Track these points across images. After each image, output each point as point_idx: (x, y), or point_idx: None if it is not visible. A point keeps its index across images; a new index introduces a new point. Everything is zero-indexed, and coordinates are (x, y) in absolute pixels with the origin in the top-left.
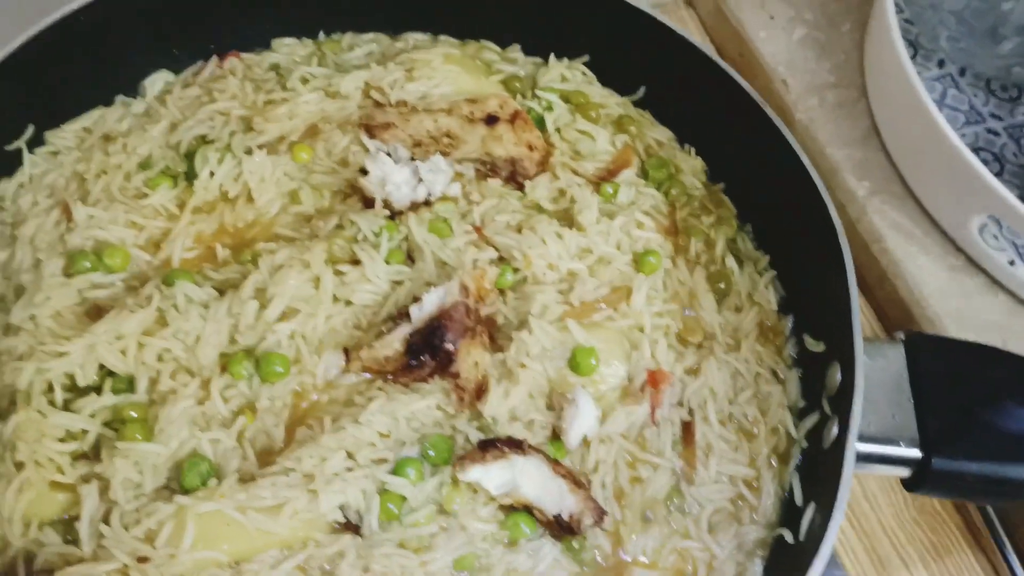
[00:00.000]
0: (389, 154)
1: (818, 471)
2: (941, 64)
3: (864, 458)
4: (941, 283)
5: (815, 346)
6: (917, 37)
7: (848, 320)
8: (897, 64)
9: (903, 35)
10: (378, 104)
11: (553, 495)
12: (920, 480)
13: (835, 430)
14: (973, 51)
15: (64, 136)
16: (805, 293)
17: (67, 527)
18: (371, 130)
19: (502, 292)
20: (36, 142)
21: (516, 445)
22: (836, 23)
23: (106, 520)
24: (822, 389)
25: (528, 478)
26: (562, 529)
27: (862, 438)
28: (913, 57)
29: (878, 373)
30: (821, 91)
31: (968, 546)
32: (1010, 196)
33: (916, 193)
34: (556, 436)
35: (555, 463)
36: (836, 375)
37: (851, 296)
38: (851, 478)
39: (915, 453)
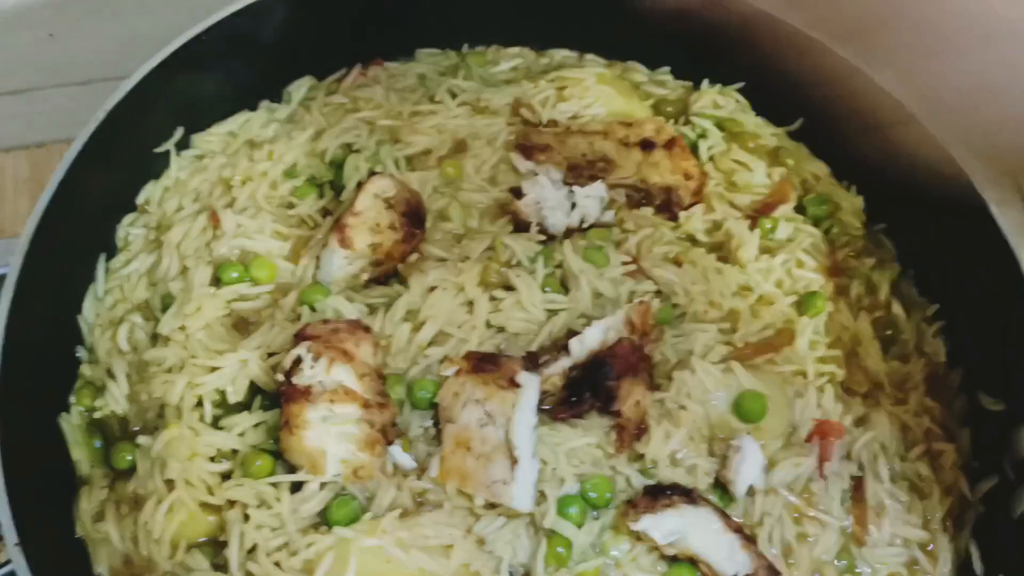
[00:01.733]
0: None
1: (1007, 540)
2: None
3: None
4: None
5: (993, 405)
6: None
7: None
8: None
9: None
10: (527, 122)
11: (724, 550)
12: None
13: None
14: None
15: (210, 140)
16: (976, 346)
17: (215, 551)
18: (527, 150)
19: (661, 328)
20: (182, 145)
21: (687, 494)
22: None
23: (252, 552)
24: (1001, 451)
25: (698, 530)
26: None
27: None
28: None
29: None
30: None
31: None
32: None
33: None
34: (719, 484)
35: (726, 516)
36: None
37: None
38: None
39: None
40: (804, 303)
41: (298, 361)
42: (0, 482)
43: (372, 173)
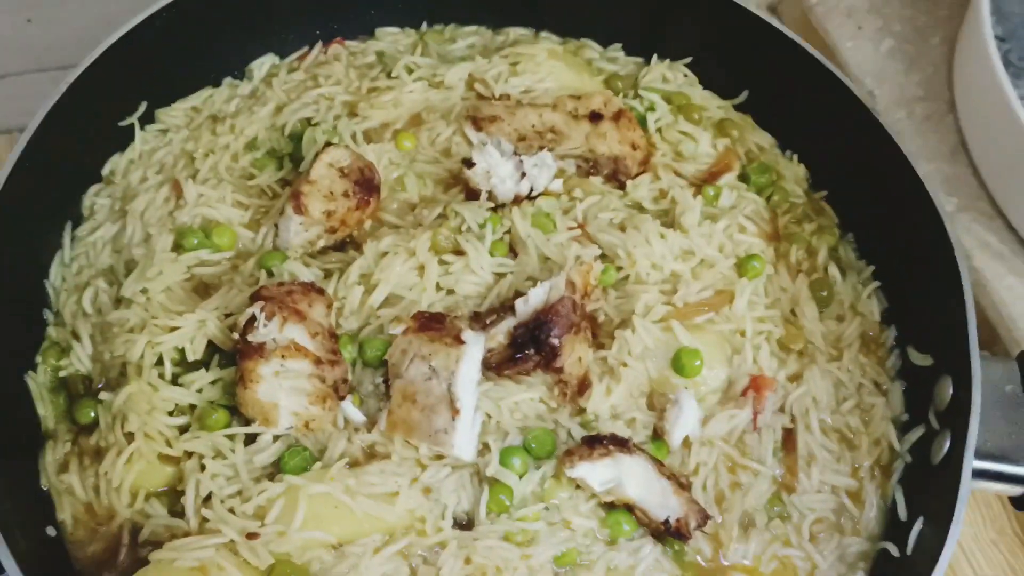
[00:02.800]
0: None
1: (926, 486)
2: None
3: (978, 474)
4: None
5: (921, 360)
6: (1007, 54)
7: (963, 334)
8: (991, 79)
9: None
10: (481, 96)
11: (657, 496)
12: None
13: (947, 445)
14: None
15: (174, 115)
16: (909, 305)
17: (172, 499)
18: (477, 122)
19: (604, 290)
20: (146, 119)
21: (622, 443)
22: (925, 36)
23: (208, 500)
24: (928, 403)
25: (632, 477)
26: (670, 534)
27: (977, 455)
28: None
29: (991, 390)
30: (909, 104)
31: None
32: None
33: (1005, 211)
34: (656, 436)
35: (659, 464)
36: (947, 389)
37: (968, 310)
38: (968, 494)
39: None
40: (742, 265)
41: (252, 320)
42: None
43: (328, 144)
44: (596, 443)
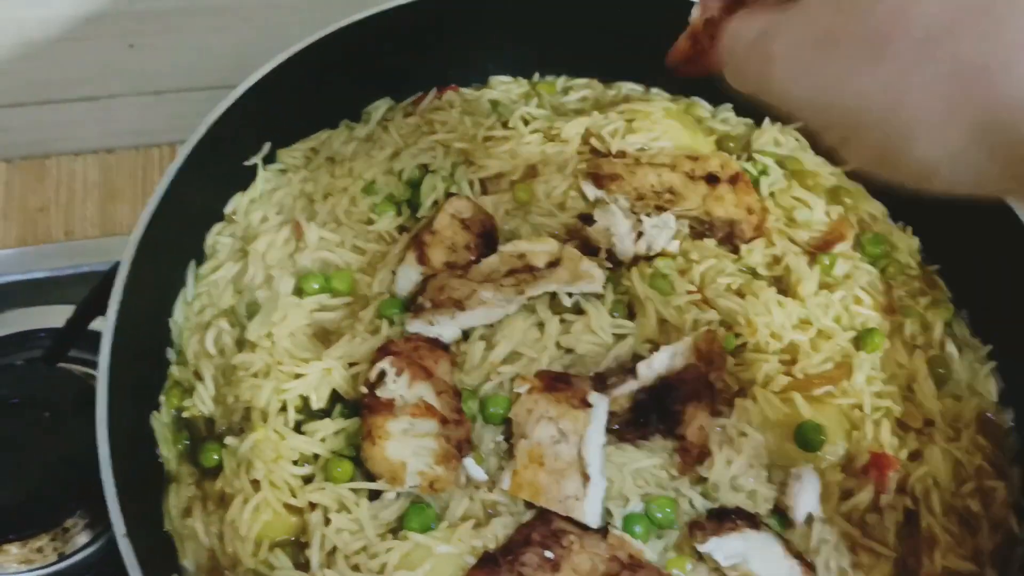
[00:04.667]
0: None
1: None
2: None
3: None
4: None
5: None
6: None
7: None
8: None
9: None
10: (596, 151)
11: (784, 574)
12: None
13: None
14: None
15: (294, 155)
16: None
17: (295, 551)
18: (598, 179)
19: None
20: (268, 159)
21: (750, 518)
22: None
23: (331, 554)
24: None
25: (760, 554)
26: None
27: None
28: None
29: None
30: None
31: None
32: None
33: None
34: (778, 510)
35: (786, 542)
36: None
37: None
38: None
39: None
40: (863, 339)
41: (381, 375)
42: (109, 477)
43: (449, 194)
44: (725, 517)
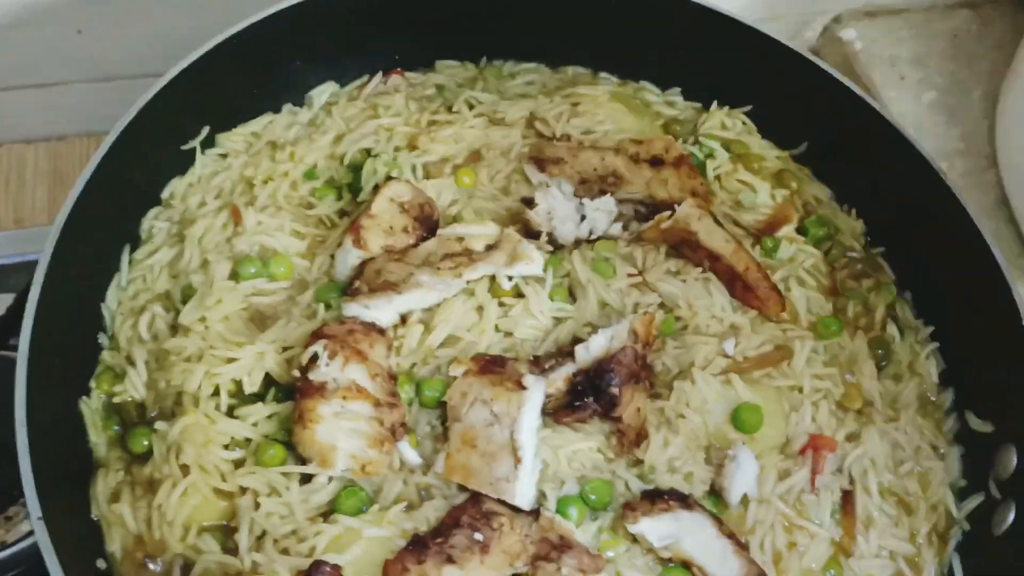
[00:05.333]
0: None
1: (988, 557)
2: None
3: None
4: None
5: (981, 426)
6: None
7: None
8: None
9: None
10: (541, 135)
11: (716, 555)
12: None
13: (1011, 516)
14: None
15: (234, 139)
16: (968, 367)
17: (225, 535)
18: (540, 163)
19: (663, 340)
20: (207, 143)
21: (683, 499)
22: (967, 90)
23: (261, 538)
24: (988, 470)
25: (692, 535)
26: None
27: None
28: None
29: None
30: (950, 157)
31: None
32: None
33: None
34: (713, 492)
35: (719, 522)
36: (1011, 458)
37: None
38: None
39: None
40: (820, 326)
41: (314, 358)
42: (26, 459)
43: (389, 178)
44: (657, 498)
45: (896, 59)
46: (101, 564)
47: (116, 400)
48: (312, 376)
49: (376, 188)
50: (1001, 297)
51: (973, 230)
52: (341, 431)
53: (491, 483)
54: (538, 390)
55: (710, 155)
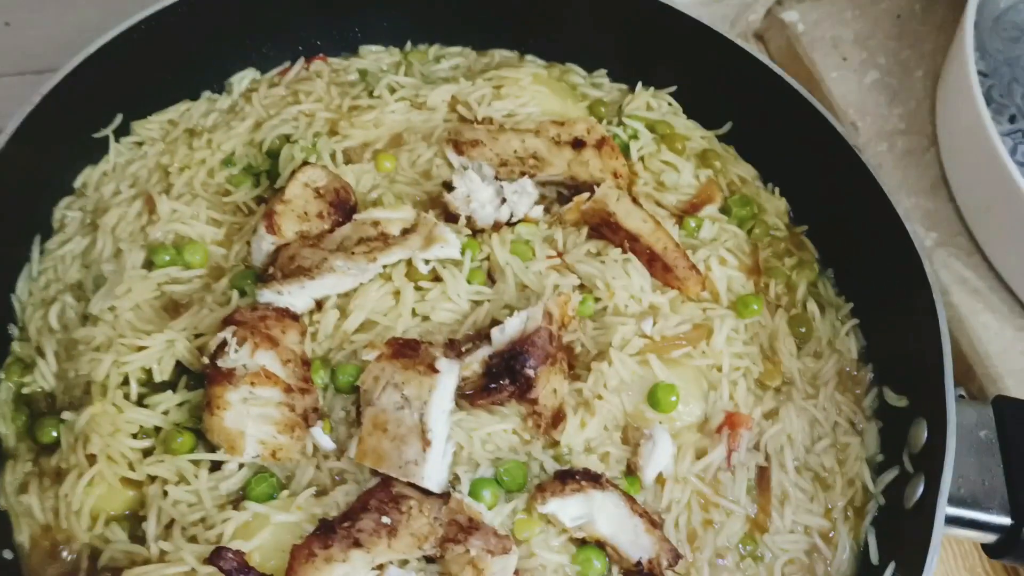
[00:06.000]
0: (475, 172)
1: (899, 530)
2: (1013, 119)
3: (951, 521)
4: (1005, 342)
5: (897, 401)
6: (989, 90)
7: (939, 378)
8: (973, 115)
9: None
10: (464, 119)
11: (628, 534)
12: (1006, 548)
13: (920, 489)
14: None
15: (150, 127)
16: (887, 344)
17: (134, 524)
18: (459, 146)
19: (581, 321)
20: (122, 131)
21: (595, 479)
22: (909, 69)
23: (170, 527)
24: (903, 445)
25: (604, 514)
26: (642, 574)
27: (950, 501)
28: None
29: (965, 434)
30: (891, 137)
31: None
32: None
33: (984, 248)
34: (630, 471)
35: (632, 501)
36: (922, 432)
37: (944, 354)
38: (940, 541)
39: (1005, 520)
40: (739, 305)
41: (223, 344)
42: None
43: (305, 163)
44: (568, 478)
45: (839, 40)
46: (8, 555)
47: (25, 391)
48: (220, 363)
49: (292, 174)
50: (916, 274)
51: (888, 207)
52: (250, 417)
53: (400, 466)
54: (451, 373)
55: (634, 136)
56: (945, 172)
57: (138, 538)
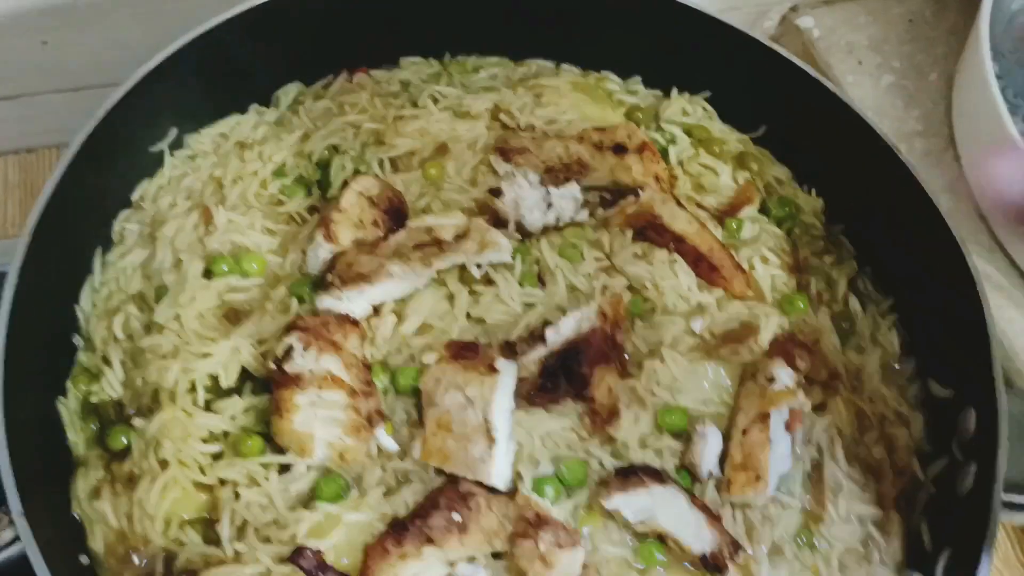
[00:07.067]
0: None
1: (952, 518)
2: None
3: (1005, 506)
4: None
5: (943, 392)
6: (1003, 91)
7: (987, 366)
8: (992, 116)
9: None
10: (506, 127)
11: (691, 527)
12: None
13: (971, 476)
14: None
15: (202, 141)
16: (928, 337)
17: (207, 528)
18: (506, 153)
19: (632, 320)
20: (175, 145)
21: (655, 475)
22: (923, 72)
23: (243, 528)
24: (951, 435)
25: (666, 509)
26: (707, 567)
27: (1004, 486)
28: None
29: (1013, 423)
30: (909, 139)
31: None
32: None
33: (1006, 245)
34: (683, 467)
35: (692, 495)
36: (970, 420)
37: (990, 341)
38: (998, 525)
39: None
40: (785, 303)
41: (289, 350)
42: (5, 459)
43: (357, 172)
44: (631, 474)
45: (853, 45)
46: (84, 560)
47: (93, 400)
48: (287, 367)
49: (345, 184)
50: (957, 267)
51: (928, 203)
52: (318, 420)
53: (467, 465)
54: (510, 373)
55: (672, 141)
56: (964, 171)
57: (212, 541)
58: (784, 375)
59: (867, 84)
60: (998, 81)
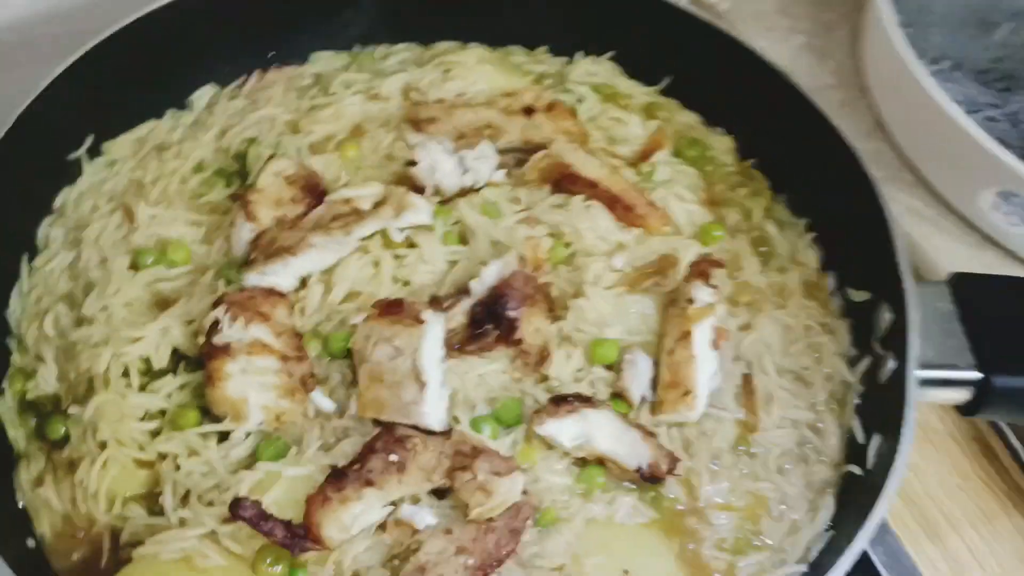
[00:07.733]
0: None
1: (879, 405)
2: (935, 60)
3: (925, 383)
4: (959, 261)
5: (859, 296)
6: (909, 36)
7: (893, 260)
8: (898, 59)
9: None
10: (417, 103)
11: (626, 445)
12: (980, 402)
13: (891, 364)
14: (965, 46)
15: (121, 146)
16: (843, 251)
17: (151, 502)
18: (417, 124)
19: (556, 267)
20: (93, 152)
21: (587, 399)
22: (832, 29)
23: (186, 497)
24: (871, 335)
25: (601, 431)
26: (644, 479)
27: (921, 365)
28: None
29: (927, 308)
30: (824, 92)
31: (1017, 509)
32: (1020, 166)
33: (930, 179)
34: (617, 395)
35: (624, 416)
36: (885, 316)
37: (892, 235)
38: (915, 403)
39: (974, 374)
40: (702, 234)
41: (216, 323)
42: None
43: (271, 157)
44: (562, 401)
45: (761, 13)
46: (31, 543)
47: (30, 397)
48: (215, 340)
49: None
50: (856, 176)
51: (828, 126)
52: (251, 386)
53: (400, 410)
54: (437, 323)
55: (580, 100)
56: (881, 116)
57: (157, 513)
58: (703, 294)
59: (779, 46)
60: (905, 29)
